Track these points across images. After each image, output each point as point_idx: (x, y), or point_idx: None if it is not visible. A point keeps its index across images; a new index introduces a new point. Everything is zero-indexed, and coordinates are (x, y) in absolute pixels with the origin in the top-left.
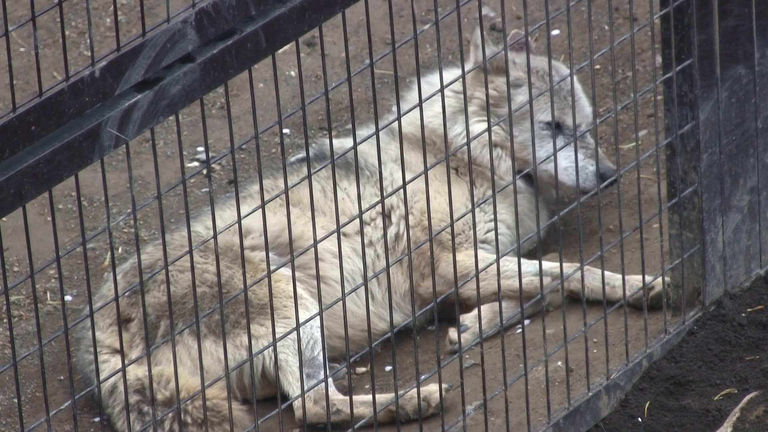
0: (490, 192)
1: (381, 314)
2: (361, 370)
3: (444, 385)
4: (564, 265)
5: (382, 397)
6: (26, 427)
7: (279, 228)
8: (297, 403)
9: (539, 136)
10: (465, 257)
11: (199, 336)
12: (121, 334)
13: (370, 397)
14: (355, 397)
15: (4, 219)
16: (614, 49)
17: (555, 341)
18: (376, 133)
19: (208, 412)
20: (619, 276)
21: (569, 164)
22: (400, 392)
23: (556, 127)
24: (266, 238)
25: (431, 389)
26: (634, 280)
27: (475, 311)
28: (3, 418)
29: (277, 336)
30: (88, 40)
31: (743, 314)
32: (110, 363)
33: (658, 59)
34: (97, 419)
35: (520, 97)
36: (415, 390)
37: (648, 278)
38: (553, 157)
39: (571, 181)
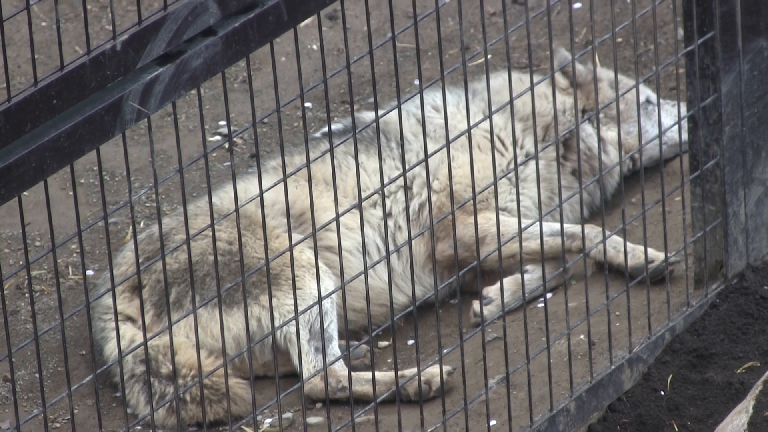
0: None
1: (400, 287)
2: (383, 344)
3: (447, 368)
4: (586, 227)
5: (386, 376)
6: (48, 401)
7: (291, 200)
8: (305, 378)
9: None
10: (483, 220)
11: (221, 313)
12: (142, 309)
13: (370, 374)
14: (356, 374)
15: (25, 193)
16: (636, 21)
17: (577, 314)
18: (398, 106)
19: (206, 390)
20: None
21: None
22: (402, 378)
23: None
24: (288, 213)
25: (433, 372)
26: (640, 251)
27: (498, 284)
28: (25, 392)
29: (292, 310)
30: (110, 14)
31: (766, 287)
32: (120, 330)
33: (680, 32)
34: (118, 394)
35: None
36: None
37: (668, 252)
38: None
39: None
